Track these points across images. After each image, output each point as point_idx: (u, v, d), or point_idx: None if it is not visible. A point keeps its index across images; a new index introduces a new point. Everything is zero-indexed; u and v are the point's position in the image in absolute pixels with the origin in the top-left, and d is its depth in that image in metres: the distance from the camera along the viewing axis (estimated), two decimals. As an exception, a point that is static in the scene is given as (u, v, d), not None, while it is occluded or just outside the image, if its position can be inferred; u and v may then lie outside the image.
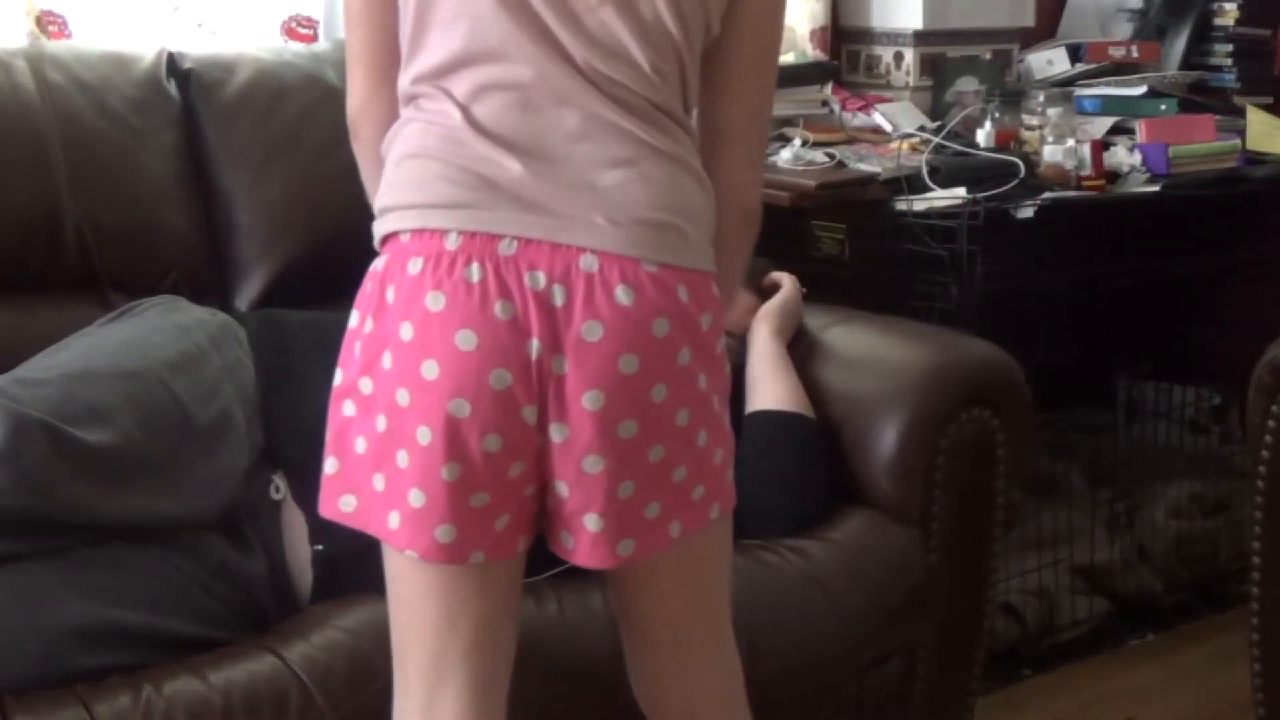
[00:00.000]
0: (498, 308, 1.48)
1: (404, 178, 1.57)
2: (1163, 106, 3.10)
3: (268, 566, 1.99)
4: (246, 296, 2.41)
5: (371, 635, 1.86)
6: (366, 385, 1.54)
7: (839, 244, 2.87)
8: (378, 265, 1.56)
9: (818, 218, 2.88)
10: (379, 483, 1.55)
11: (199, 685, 1.77)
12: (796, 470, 2.24)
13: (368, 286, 1.56)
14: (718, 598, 1.72)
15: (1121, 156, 2.93)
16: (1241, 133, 3.14)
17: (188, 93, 2.42)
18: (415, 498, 1.52)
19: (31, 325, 2.21)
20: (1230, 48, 3.43)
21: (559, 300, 1.49)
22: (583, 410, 1.50)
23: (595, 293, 1.49)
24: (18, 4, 2.58)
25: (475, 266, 1.49)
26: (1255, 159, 3.12)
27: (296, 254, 2.42)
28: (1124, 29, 3.51)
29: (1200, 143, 3.02)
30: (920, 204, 2.73)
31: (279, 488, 2.04)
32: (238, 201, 2.41)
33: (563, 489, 1.55)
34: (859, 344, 2.44)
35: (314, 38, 2.82)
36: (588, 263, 1.49)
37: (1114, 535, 3.23)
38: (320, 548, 1.98)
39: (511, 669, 1.66)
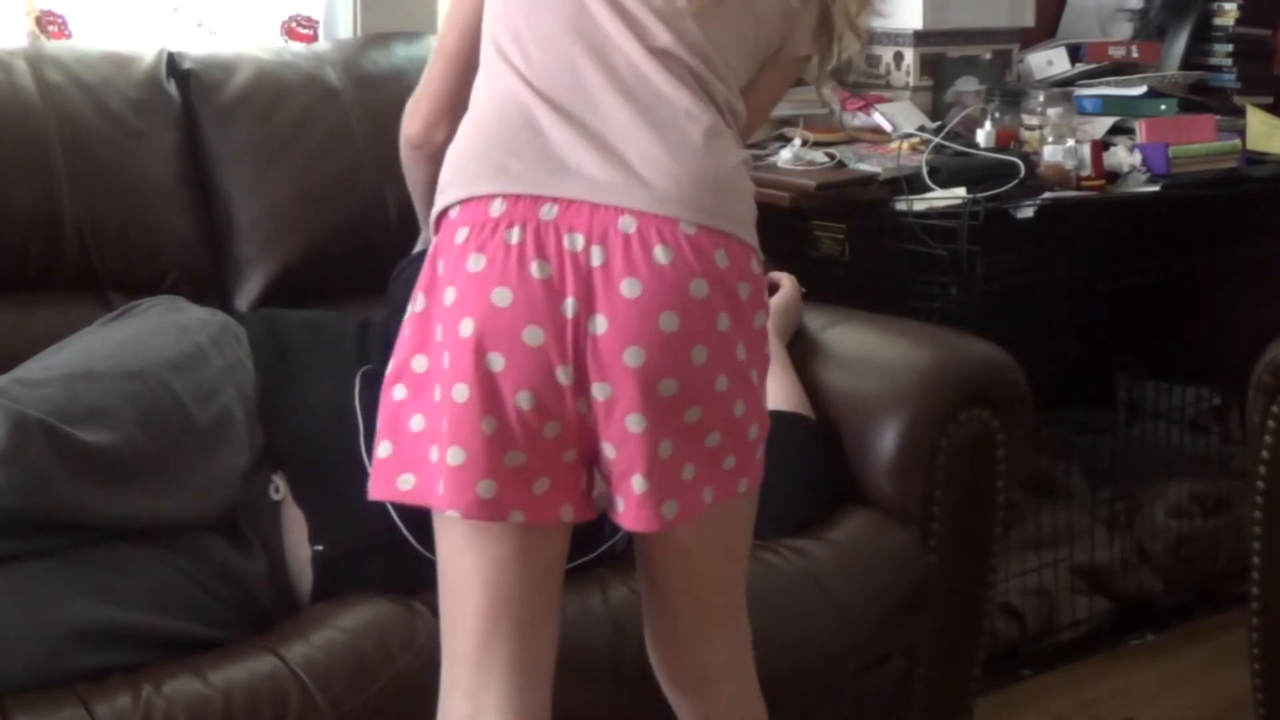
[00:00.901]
0: (534, 267, 1.52)
1: (460, 150, 1.63)
2: (1163, 106, 3.10)
3: (267, 566, 1.99)
4: (246, 296, 2.41)
5: (371, 635, 1.87)
6: (420, 363, 1.59)
7: (839, 244, 2.87)
8: (430, 249, 1.61)
9: (818, 218, 2.88)
10: (434, 454, 1.58)
11: (199, 685, 1.77)
12: (796, 470, 2.24)
13: (423, 270, 1.61)
14: (739, 571, 1.77)
15: (1121, 156, 2.93)
16: (1241, 133, 3.14)
17: (188, 93, 2.42)
18: (455, 455, 1.55)
19: (31, 325, 2.21)
20: (1230, 48, 3.43)
21: (597, 260, 1.53)
22: (624, 367, 1.53)
23: (633, 252, 1.53)
24: (18, 4, 2.58)
25: (516, 230, 1.54)
26: (1255, 159, 3.11)
27: (296, 254, 2.42)
28: (1124, 29, 3.51)
29: (1200, 143, 3.01)
30: (920, 204, 2.73)
31: (279, 488, 2.04)
32: (238, 201, 2.41)
33: (609, 450, 1.58)
34: (859, 344, 2.44)
35: (314, 38, 2.82)
36: (625, 224, 1.54)
37: (1114, 535, 3.22)
38: (320, 548, 1.98)
39: (555, 659, 1.69)
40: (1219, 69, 3.43)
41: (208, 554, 1.94)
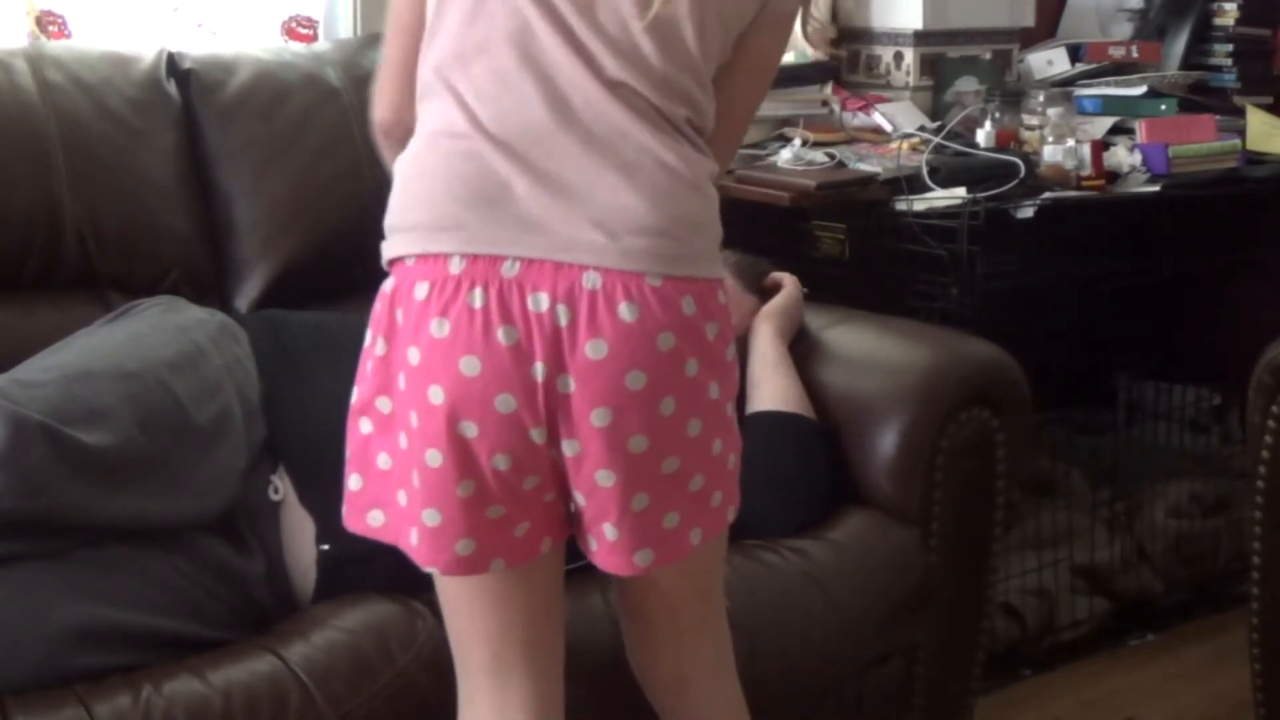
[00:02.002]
0: (500, 334, 1.49)
1: (408, 197, 1.57)
2: (1163, 106, 3.10)
3: (266, 567, 1.98)
4: (246, 296, 2.41)
5: (371, 635, 1.87)
6: (385, 404, 1.57)
7: (839, 244, 2.87)
8: (386, 287, 1.57)
9: (818, 218, 2.88)
10: (402, 498, 1.58)
11: (199, 685, 1.77)
12: (797, 471, 2.24)
13: (379, 307, 1.57)
14: (713, 580, 1.76)
15: (1121, 156, 2.93)
16: (1241, 133, 3.14)
17: (188, 93, 2.42)
18: (430, 517, 1.55)
19: (31, 325, 2.21)
20: (1230, 48, 3.43)
21: (563, 320, 1.49)
22: (591, 428, 1.51)
23: (598, 311, 1.49)
24: (18, 4, 2.58)
25: (478, 292, 1.50)
26: (1255, 159, 3.11)
27: (296, 254, 2.42)
28: (1124, 29, 3.51)
29: (1200, 143, 3.01)
30: (920, 204, 2.73)
31: (278, 488, 2.04)
32: (238, 201, 2.41)
33: (580, 499, 1.58)
34: (859, 344, 2.44)
35: (314, 38, 2.82)
36: (591, 280, 1.49)
37: (1114, 535, 3.22)
38: (326, 548, 1.98)
39: (564, 656, 1.71)
40: (1219, 69, 3.43)
41: (207, 555, 1.94)
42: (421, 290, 1.52)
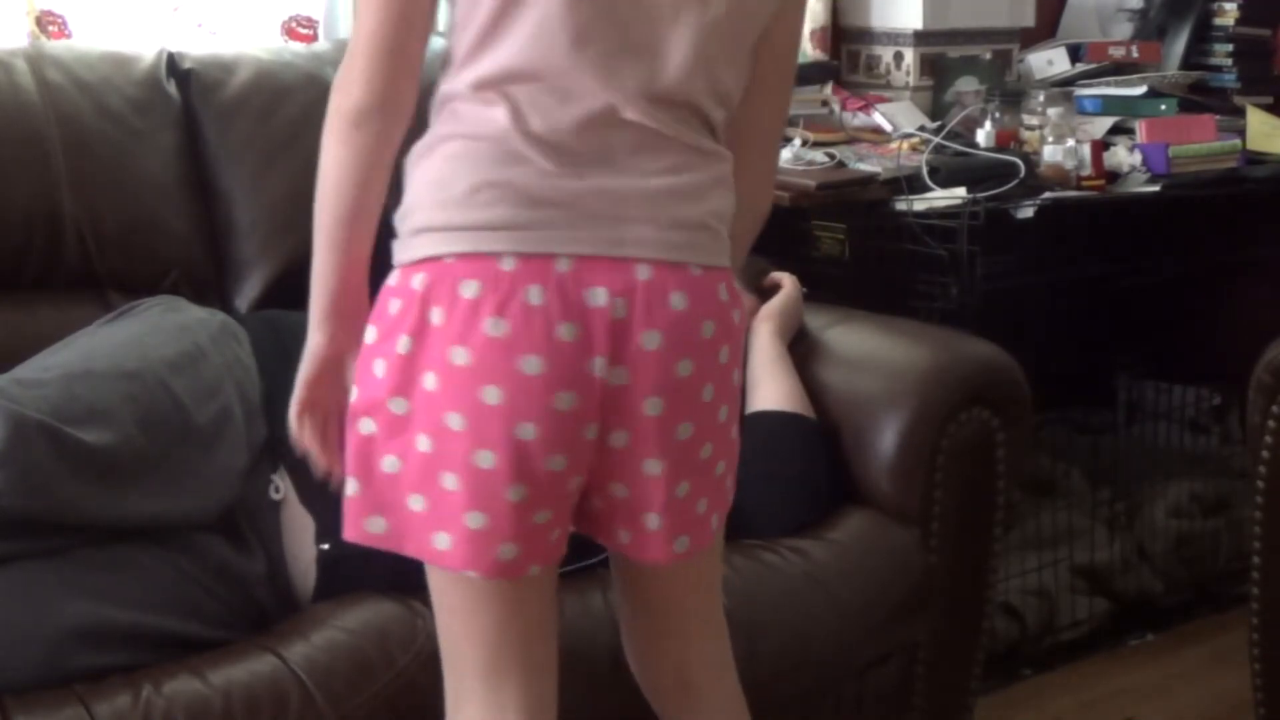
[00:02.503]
0: (562, 330, 1.48)
1: (446, 197, 1.52)
2: (1163, 106, 3.10)
3: (267, 567, 1.99)
4: (246, 296, 2.41)
5: (371, 635, 1.87)
6: (399, 406, 1.52)
7: (839, 244, 2.87)
8: (413, 284, 1.50)
9: (818, 218, 2.88)
10: (417, 504, 1.54)
11: (199, 685, 1.77)
12: (797, 470, 2.24)
13: (396, 305, 1.52)
14: (715, 572, 1.77)
15: (1121, 156, 2.93)
16: (1241, 133, 3.14)
17: (188, 93, 2.42)
18: (474, 520, 1.52)
19: (31, 325, 2.21)
20: (1230, 48, 3.43)
21: (621, 313, 1.50)
22: (644, 417, 1.52)
23: (652, 302, 1.51)
24: (18, 4, 2.58)
25: (535, 289, 1.48)
26: (1255, 159, 3.12)
27: (296, 254, 2.40)
28: (1124, 29, 3.51)
29: (1200, 143, 3.02)
30: (920, 204, 2.73)
31: (279, 488, 2.04)
32: (238, 201, 2.41)
33: (620, 490, 1.57)
34: (859, 344, 2.44)
35: (314, 38, 2.82)
36: (643, 273, 1.51)
37: (1114, 535, 3.23)
38: (326, 546, 1.98)
39: (557, 657, 1.70)
40: (1219, 69, 3.44)
41: (208, 554, 1.94)
42: (470, 289, 1.48)
